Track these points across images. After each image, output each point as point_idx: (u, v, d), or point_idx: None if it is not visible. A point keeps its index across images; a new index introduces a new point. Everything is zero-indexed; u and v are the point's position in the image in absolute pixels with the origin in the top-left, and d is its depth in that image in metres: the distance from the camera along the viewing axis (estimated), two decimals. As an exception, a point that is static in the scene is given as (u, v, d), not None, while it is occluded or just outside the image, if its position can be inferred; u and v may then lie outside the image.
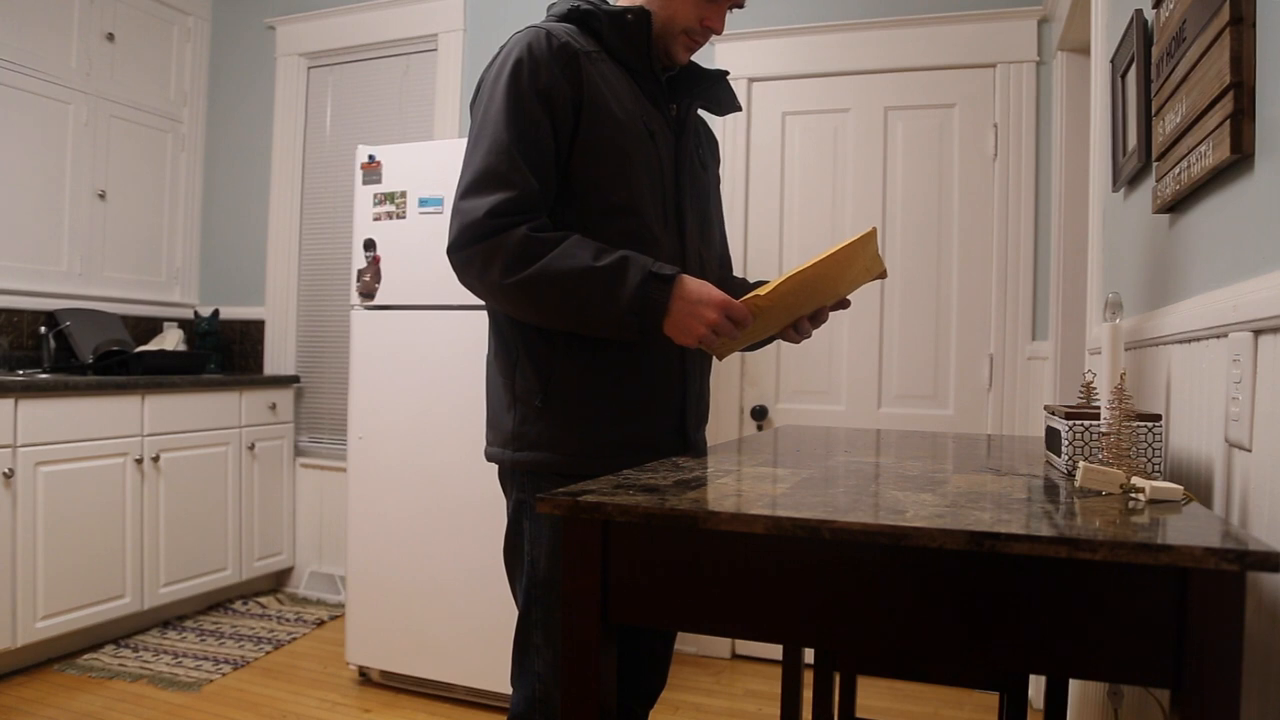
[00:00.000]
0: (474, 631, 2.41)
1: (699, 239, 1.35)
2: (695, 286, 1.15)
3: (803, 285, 1.17)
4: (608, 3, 1.30)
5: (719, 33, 1.33)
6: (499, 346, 1.29)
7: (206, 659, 2.73)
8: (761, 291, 1.16)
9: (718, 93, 1.41)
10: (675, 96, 1.36)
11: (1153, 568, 0.64)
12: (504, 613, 2.08)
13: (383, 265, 2.57)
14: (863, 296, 2.88)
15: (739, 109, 1.48)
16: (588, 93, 1.21)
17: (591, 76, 1.22)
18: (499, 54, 1.25)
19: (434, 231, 2.50)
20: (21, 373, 2.85)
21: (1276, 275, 0.83)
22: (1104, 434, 0.97)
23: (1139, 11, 1.43)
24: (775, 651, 2.84)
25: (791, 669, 1.63)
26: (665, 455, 1.24)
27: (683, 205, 1.32)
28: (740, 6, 1.34)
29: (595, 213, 1.22)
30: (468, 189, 1.18)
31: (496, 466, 1.32)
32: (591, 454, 1.22)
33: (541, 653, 1.22)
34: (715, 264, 1.44)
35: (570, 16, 1.28)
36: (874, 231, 1.17)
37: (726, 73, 1.42)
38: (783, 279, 1.16)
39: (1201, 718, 0.62)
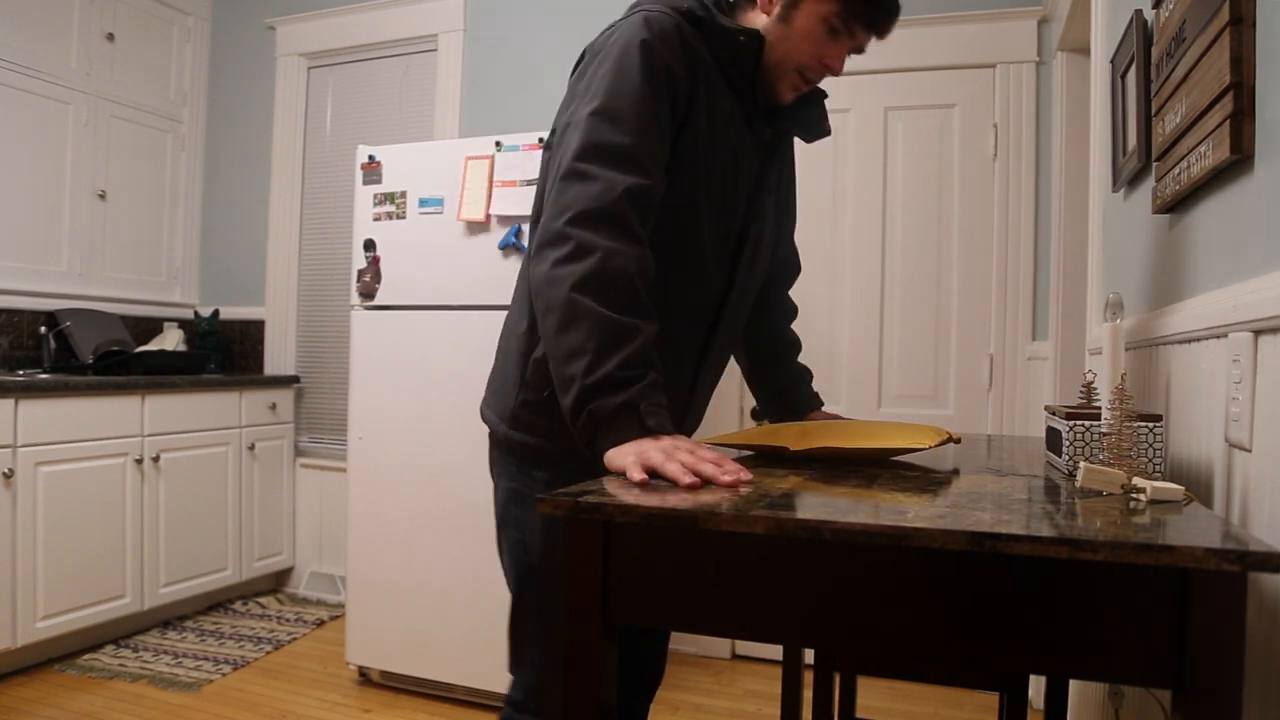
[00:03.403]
0: (474, 632, 2.41)
1: (748, 269, 1.30)
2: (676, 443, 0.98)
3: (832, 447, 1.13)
4: (721, 15, 1.19)
5: (838, 74, 1.21)
6: (528, 327, 1.21)
7: (206, 659, 2.73)
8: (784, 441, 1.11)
9: (811, 115, 1.31)
10: (771, 119, 1.27)
11: (1154, 568, 0.64)
12: (504, 613, 2.08)
13: (383, 265, 2.57)
14: (862, 296, 2.88)
15: (829, 134, 1.35)
16: (696, 102, 1.14)
17: (701, 86, 1.15)
18: (621, 26, 1.14)
19: (434, 231, 2.50)
20: (21, 373, 2.85)
21: (1276, 275, 0.83)
22: (1105, 434, 0.97)
23: (1139, 12, 1.43)
24: (775, 651, 2.84)
25: (791, 669, 1.63)
26: None
27: (746, 234, 1.26)
28: (860, 51, 1.21)
29: (664, 226, 1.14)
30: (607, 155, 1.05)
31: (489, 433, 1.28)
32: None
33: (538, 641, 1.21)
34: (755, 291, 1.39)
35: (686, 16, 1.16)
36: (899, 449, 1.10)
37: (825, 94, 1.32)
38: (812, 446, 1.10)
39: (1203, 718, 0.62)
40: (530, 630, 1.22)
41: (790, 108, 1.28)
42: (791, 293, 3.17)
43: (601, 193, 1.03)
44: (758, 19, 1.21)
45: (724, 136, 1.18)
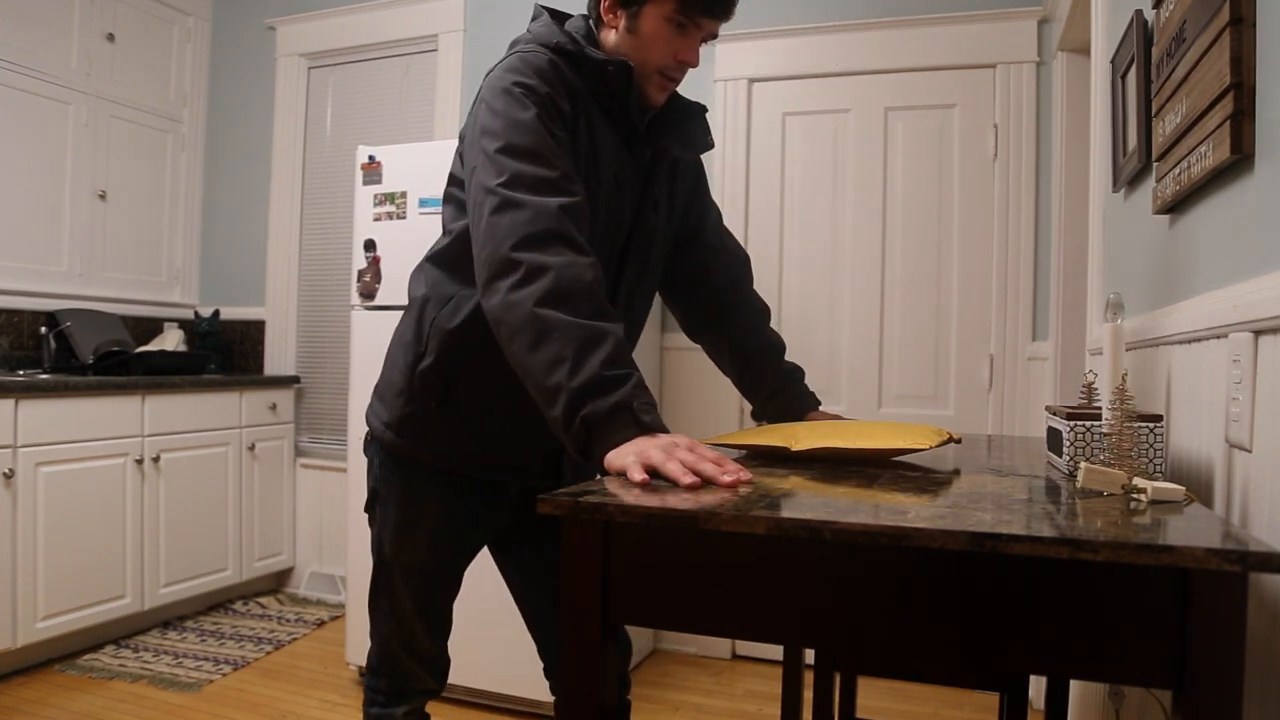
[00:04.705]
0: (473, 632, 2.41)
1: (636, 284, 1.35)
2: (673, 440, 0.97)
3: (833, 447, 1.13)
4: (589, 46, 1.24)
5: (695, 65, 1.25)
6: (413, 338, 1.28)
7: (207, 659, 2.73)
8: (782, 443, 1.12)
9: (691, 131, 1.36)
10: (651, 139, 1.32)
11: (1154, 568, 0.64)
12: (503, 613, 2.08)
13: (383, 265, 2.57)
14: (862, 296, 2.88)
15: (711, 147, 1.41)
16: (578, 134, 1.20)
17: (581, 118, 1.20)
18: (499, 69, 1.20)
19: (435, 231, 2.49)
20: (22, 373, 2.85)
21: (1276, 275, 0.83)
22: (1105, 434, 0.97)
23: (1139, 12, 1.43)
24: (775, 652, 2.84)
25: (792, 669, 1.63)
26: (535, 479, 1.33)
27: (629, 256, 1.31)
28: (714, 37, 1.26)
29: None
30: (529, 185, 1.08)
31: (368, 432, 1.37)
32: (464, 459, 1.30)
33: (387, 618, 1.35)
34: (648, 304, 1.42)
35: (557, 51, 1.23)
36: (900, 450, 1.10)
37: (705, 109, 1.39)
38: (813, 446, 1.10)
39: (1203, 718, 0.62)
40: (383, 610, 1.35)
41: (670, 125, 1.33)
42: (792, 293, 3.16)
43: (536, 216, 1.06)
44: (609, 35, 1.25)
45: (605, 163, 1.23)
